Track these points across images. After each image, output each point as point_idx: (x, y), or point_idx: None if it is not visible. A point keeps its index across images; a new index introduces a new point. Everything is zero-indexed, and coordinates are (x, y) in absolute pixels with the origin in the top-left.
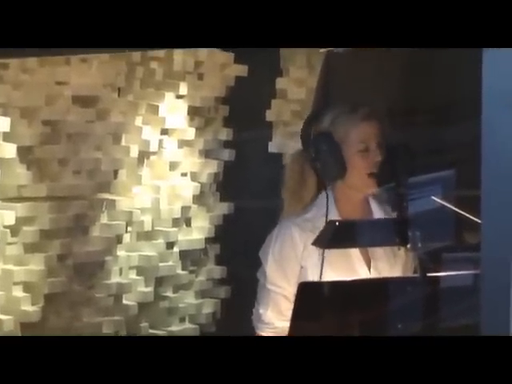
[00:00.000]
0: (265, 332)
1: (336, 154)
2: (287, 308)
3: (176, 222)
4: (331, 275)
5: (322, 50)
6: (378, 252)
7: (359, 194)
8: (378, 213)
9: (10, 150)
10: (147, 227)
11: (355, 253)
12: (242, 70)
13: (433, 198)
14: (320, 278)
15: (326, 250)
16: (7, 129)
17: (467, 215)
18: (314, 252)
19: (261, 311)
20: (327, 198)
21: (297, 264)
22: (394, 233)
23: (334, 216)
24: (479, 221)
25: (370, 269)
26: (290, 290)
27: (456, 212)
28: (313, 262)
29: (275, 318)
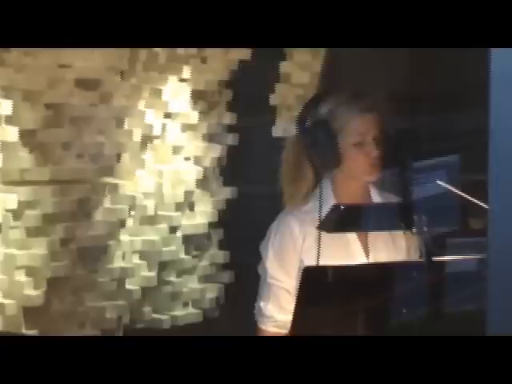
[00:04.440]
0: (266, 326)
1: (332, 144)
2: (288, 301)
3: (179, 207)
4: (329, 263)
5: None
6: (377, 240)
7: (357, 182)
8: (378, 200)
9: (12, 134)
10: (150, 211)
11: (354, 240)
12: (245, 53)
13: (438, 182)
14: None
15: (324, 241)
16: (10, 112)
17: (473, 200)
18: (314, 244)
19: (262, 305)
20: (321, 189)
21: (296, 257)
22: (399, 217)
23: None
24: (486, 206)
25: (368, 256)
26: (291, 284)
27: (462, 197)
28: (312, 255)
29: (276, 311)
